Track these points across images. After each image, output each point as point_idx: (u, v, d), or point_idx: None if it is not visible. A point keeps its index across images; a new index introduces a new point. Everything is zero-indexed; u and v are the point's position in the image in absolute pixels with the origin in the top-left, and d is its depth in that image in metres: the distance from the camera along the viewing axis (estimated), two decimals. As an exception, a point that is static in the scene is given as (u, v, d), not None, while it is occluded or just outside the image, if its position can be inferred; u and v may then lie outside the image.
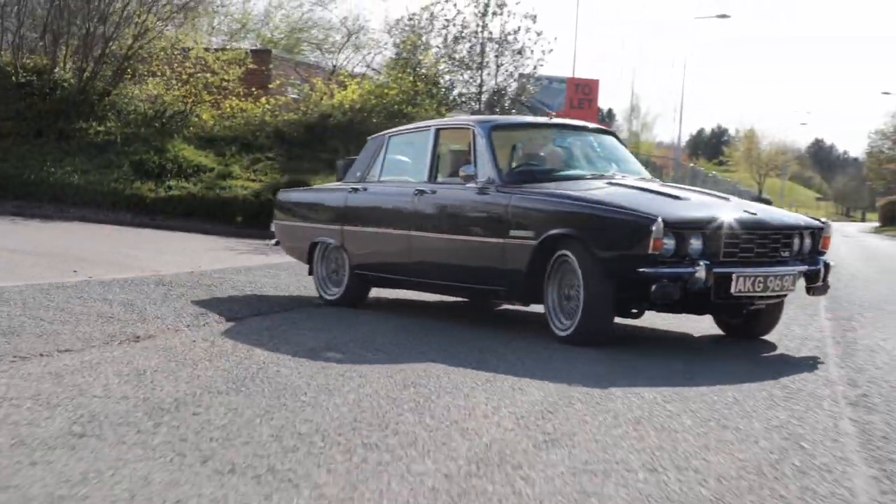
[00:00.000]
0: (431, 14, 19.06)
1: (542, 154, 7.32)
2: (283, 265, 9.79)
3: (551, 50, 19.39)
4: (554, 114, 7.74)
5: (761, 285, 5.68)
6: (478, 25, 18.96)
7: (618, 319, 6.03)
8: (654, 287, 5.42)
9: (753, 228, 5.79)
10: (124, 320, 5.81)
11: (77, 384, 4.05)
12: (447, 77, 18.92)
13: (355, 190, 7.76)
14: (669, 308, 5.88)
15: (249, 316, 6.45)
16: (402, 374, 4.57)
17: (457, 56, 18.91)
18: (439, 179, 7.03)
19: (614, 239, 5.71)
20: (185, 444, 3.19)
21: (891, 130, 61.23)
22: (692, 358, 5.72)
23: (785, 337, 6.38)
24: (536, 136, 7.63)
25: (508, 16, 18.98)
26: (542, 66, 19.22)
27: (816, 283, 6.03)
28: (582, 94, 23.00)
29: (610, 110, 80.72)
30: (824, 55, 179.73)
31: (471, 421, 3.69)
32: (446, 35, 18.81)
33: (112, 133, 15.79)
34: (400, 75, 17.68)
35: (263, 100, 17.60)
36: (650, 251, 5.44)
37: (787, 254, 5.91)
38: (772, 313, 6.38)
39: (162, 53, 16.57)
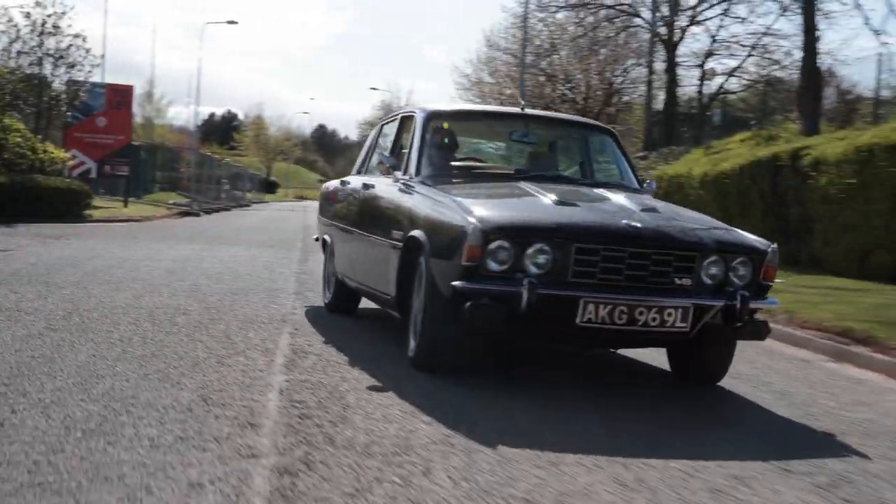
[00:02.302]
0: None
1: (492, 149, 7.13)
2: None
3: (98, 64, 23.95)
4: (524, 103, 7.05)
5: (625, 317, 4.59)
6: (35, 42, 23.12)
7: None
8: (465, 306, 4.56)
9: (621, 243, 4.71)
10: None
11: (53, 253, 8.83)
12: (8, 85, 22.72)
13: (343, 183, 7.49)
14: (503, 333, 4.82)
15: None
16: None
17: (18, 67, 22.89)
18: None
19: (443, 246, 4.88)
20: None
21: (376, 121, 71.34)
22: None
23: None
24: (491, 128, 7.06)
25: (63, 36, 23.41)
26: (91, 76, 23.84)
27: (732, 321, 4.83)
28: (119, 97, 27.69)
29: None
30: (316, 55, 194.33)
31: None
32: (9, 50, 22.76)
33: None
34: (-31, 81, 21.23)
35: None
36: (465, 262, 4.58)
37: (686, 281, 4.79)
38: (720, 356, 5.38)
39: None
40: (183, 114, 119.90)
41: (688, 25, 27.32)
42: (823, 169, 13.03)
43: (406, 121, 6.64)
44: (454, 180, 5.88)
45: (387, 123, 7.26)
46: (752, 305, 4.91)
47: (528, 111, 6.86)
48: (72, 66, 23.27)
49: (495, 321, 4.58)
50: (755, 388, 5.70)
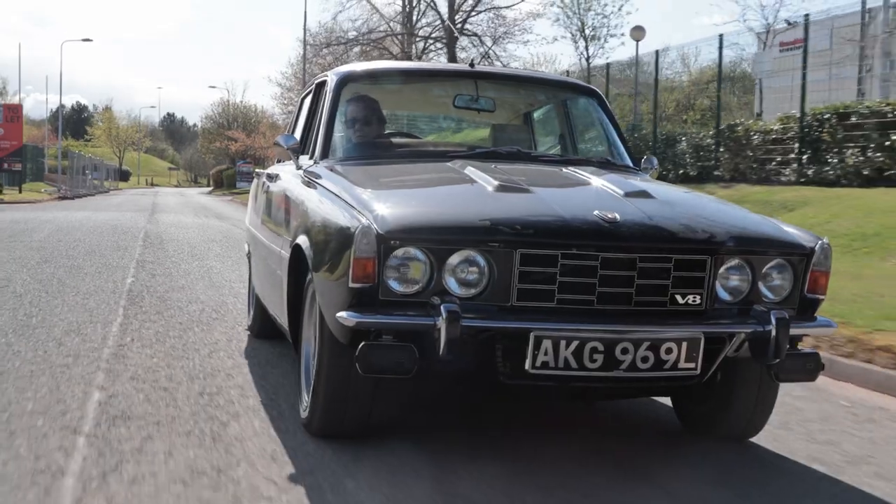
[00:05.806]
0: None
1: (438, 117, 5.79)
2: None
3: (1, 93, 33.88)
4: (475, 60, 4.75)
5: (600, 357, 3.08)
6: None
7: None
8: (358, 349, 3.06)
9: (589, 245, 3.15)
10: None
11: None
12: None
13: (258, 175, 5.95)
14: (418, 383, 3.33)
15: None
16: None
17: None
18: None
19: (328, 258, 3.36)
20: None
21: (218, 114, 76.32)
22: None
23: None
24: (429, 92, 5.47)
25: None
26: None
27: (765, 356, 3.22)
28: (12, 112, 37.78)
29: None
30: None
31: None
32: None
33: None
34: None
35: None
36: (353, 282, 3.06)
37: (693, 298, 3.24)
38: (750, 404, 3.77)
39: None
40: (27, 102, 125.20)
41: (422, 52, 38.33)
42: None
43: (321, 89, 4.90)
44: (372, 163, 4.27)
45: (305, 96, 5.44)
46: (796, 331, 3.30)
47: (480, 68, 5.11)
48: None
49: (402, 369, 3.03)
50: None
